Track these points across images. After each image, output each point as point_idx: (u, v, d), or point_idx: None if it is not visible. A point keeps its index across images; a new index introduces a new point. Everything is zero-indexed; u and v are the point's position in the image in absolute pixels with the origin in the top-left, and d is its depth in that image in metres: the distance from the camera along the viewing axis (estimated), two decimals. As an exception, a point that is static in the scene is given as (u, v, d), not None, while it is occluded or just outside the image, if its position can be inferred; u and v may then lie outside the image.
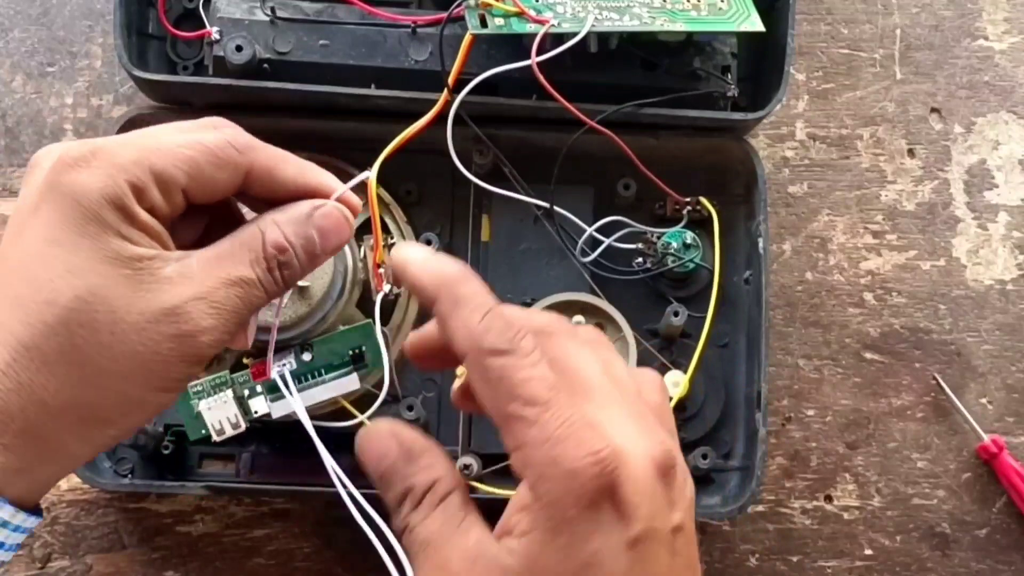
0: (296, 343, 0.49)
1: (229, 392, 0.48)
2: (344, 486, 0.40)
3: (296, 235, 0.38)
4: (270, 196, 0.38)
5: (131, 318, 0.34)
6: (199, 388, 0.48)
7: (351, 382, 0.49)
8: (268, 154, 0.38)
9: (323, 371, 0.49)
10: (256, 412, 0.48)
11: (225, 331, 0.36)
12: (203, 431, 0.49)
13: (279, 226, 0.37)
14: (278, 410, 0.48)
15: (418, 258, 0.37)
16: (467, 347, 0.35)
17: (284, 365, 0.48)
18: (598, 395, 0.35)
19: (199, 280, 0.35)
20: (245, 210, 0.40)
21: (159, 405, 0.36)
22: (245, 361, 0.49)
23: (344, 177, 0.56)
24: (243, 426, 0.48)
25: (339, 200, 0.39)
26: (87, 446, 0.36)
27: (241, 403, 0.48)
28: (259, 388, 0.48)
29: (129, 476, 0.53)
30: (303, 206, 0.38)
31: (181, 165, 0.36)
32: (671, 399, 0.53)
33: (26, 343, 0.34)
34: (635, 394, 0.36)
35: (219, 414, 0.48)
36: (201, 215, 0.39)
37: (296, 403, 0.46)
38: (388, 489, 0.36)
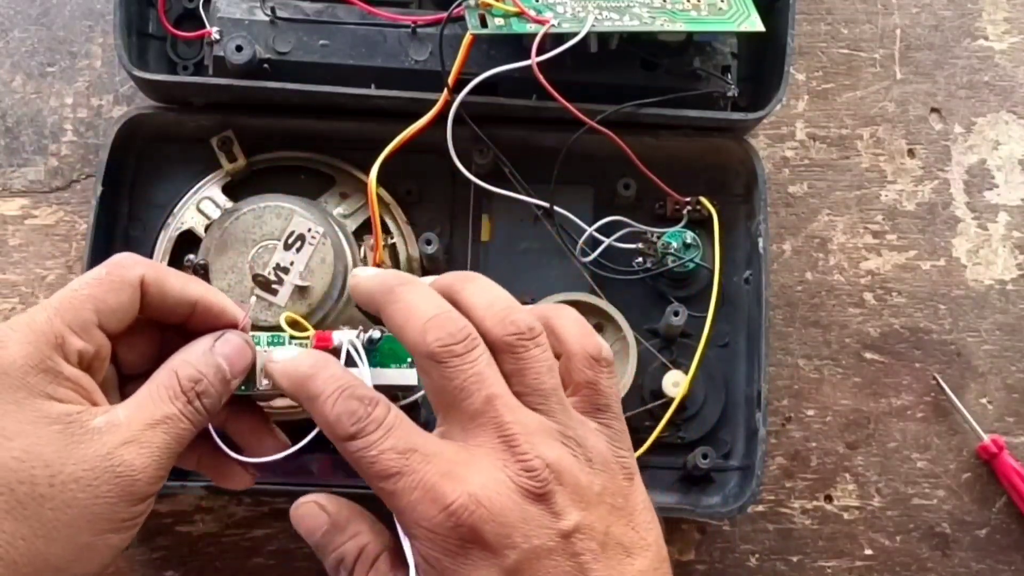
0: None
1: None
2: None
3: (206, 365, 0.41)
4: (164, 309, 0.42)
5: (68, 468, 0.37)
6: (255, 340, 0.44)
7: (410, 376, 0.45)
8: (156, 265, 0.42)
9: (381, 358, 0.45)
10: None
11: (159, 467, 0.39)
12: (244, 387, 0.44)
13: (188, 361, 0.41)
14: None
15: (274, 367, 0.41)
16: (331, 439, 0.39)
17: (355, 337, 0.45)
18: (472, 425, 0.38)
19: (126, 426, 0.39)
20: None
21: (111, 548, 0.39)
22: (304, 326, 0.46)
23: (346, 176, 0.56)
24: None
25: (225, 315, 0.43)
26: None
27: None
28: None
29: (129, 476, 0.53)
30: (204, 340, 0.42)
31: (87, 304, 0.39)
32: (673, 399, 0.53)
33: None
34: (541, 399, 0.39)
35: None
36: (137, 347, 0.43)
37: (364, 372, 0.43)
38: (324, 557, 0.41)
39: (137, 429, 0.39)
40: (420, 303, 0.40)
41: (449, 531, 0.37)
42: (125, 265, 0.41)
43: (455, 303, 0.41)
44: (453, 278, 0.43)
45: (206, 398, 0.40)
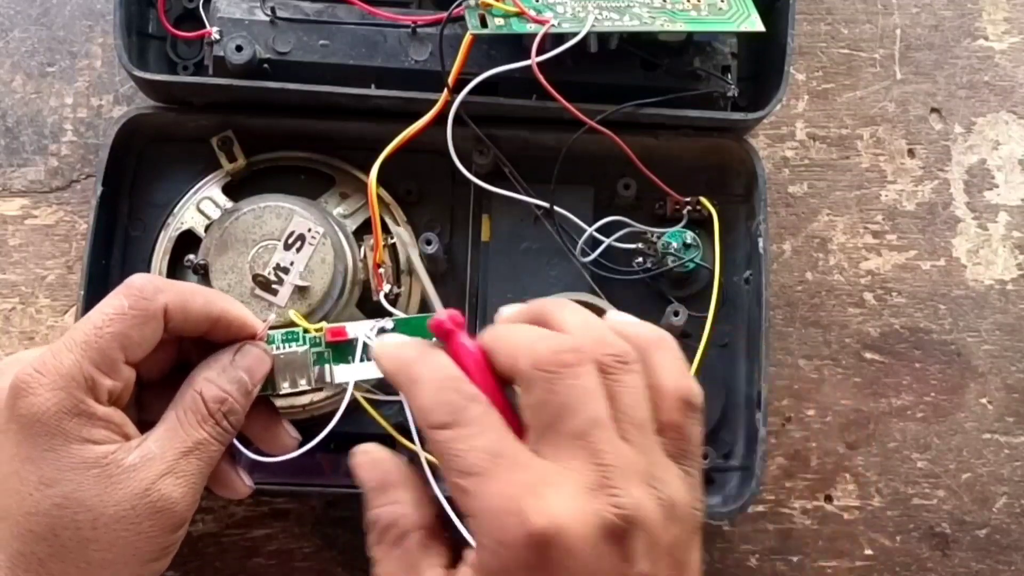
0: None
1: (306, 347, 0.44)
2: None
3: (229, 382, 0.41)
4: (185, 329, 0.42)
5: (108, 511, 0.38)
6: (269, 339, 0.44)
7: None
8: (177, 289, 0.41)
9: None
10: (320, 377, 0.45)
11: (196, 493, 0.40)
12: (264, 388, 0.44)
13: (212, 381, 0.41)
14: (340, 375, 0.44)
15: (382, 349, 0.40)
16: (420, 425, 0.37)
17: (371, 329, 0.44)
18: (568, 446, 0.36)
19: (160, 458, 0.39)
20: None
21: (154, 573, 0.40)
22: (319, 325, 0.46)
23: (346, 176, 0.56)
24: (312, 385, 0.44)
25: (245, 328, 0.43)
26: None
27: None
28: (326, 355, 0.45)
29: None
30: (224, 355, 0.42)
31: (113, 343, 0.39)
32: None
33: (21, 550, 0.38)
34: (634, 430, 0.37)
35: (292, 367, 0.44)
36: (161, 354, 0.42)
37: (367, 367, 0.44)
38: (366, 509, 0.39)
39: (171, 459, 0.39)
40: (525, 328, 0.39)
41: (521, 550, 0.34)
42: (147, 295, 0.40)
43: (547, 326, 0.39)
44: (544, 303, 0.41)
45: (232, 415, 0.41)
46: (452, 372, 0.38)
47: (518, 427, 0.37)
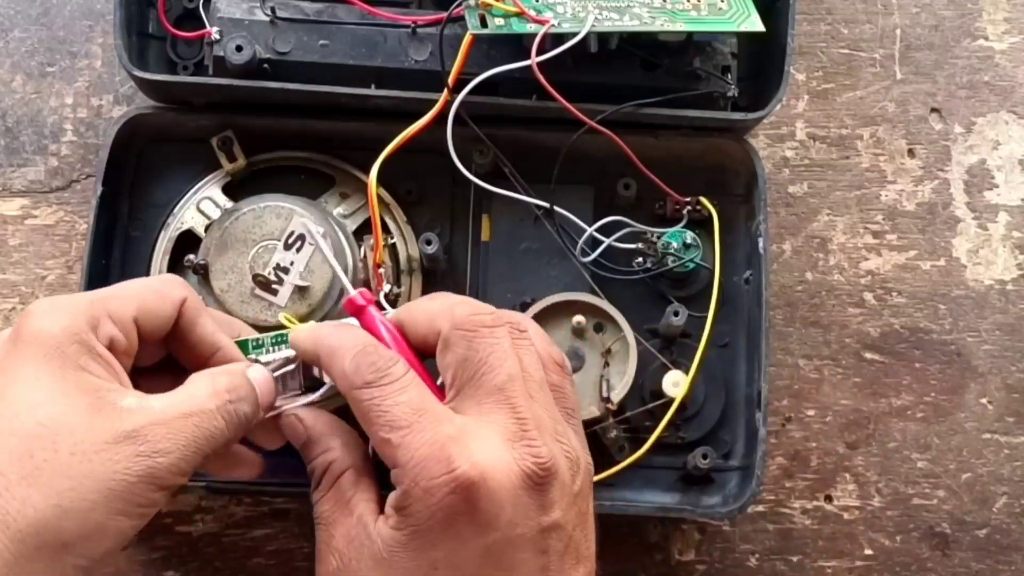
0: None
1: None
2: None
3: (242, 378, 0.41)
4: (189, 341, 0.43)
5: (91, 438, 0.37)
6: (259, 342, 0.45)
7: None
8: (200, 300, 0.43)
9: None
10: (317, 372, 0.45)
11: (183, 458, 0.38)
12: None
13: (227, 370, 0.42)
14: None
15: (297, 333, 0.43)
16: (344, 389, 0.40)
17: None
18: (488, 401, 0.39)
19: (160, 412, 0.38)
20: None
21: (120, 532, 0.38)
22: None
23: (346, 176, 0.56)
24: (301, 389, 0.45)
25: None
26: (49, 574, 0.37)
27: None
28: None
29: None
30: (237, 364, 0.43)
31: (130, 300, 0.41)
32: (673, 400, 0.53)
33: None
34: (538, 388, 0.40)
35: (287, 375, 0.45)
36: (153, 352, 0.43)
37: None
38: (306, 467, 0.43)
39: (170, 416, 0.38)
40: (438, 298, 0.43)
41: (445, 495, 0.37)
42: (174, 283, 0.43)
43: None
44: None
45: (243, 403, 0.41)
46: (369, 339, 0.41)
47: (437, 394, 0.40)
